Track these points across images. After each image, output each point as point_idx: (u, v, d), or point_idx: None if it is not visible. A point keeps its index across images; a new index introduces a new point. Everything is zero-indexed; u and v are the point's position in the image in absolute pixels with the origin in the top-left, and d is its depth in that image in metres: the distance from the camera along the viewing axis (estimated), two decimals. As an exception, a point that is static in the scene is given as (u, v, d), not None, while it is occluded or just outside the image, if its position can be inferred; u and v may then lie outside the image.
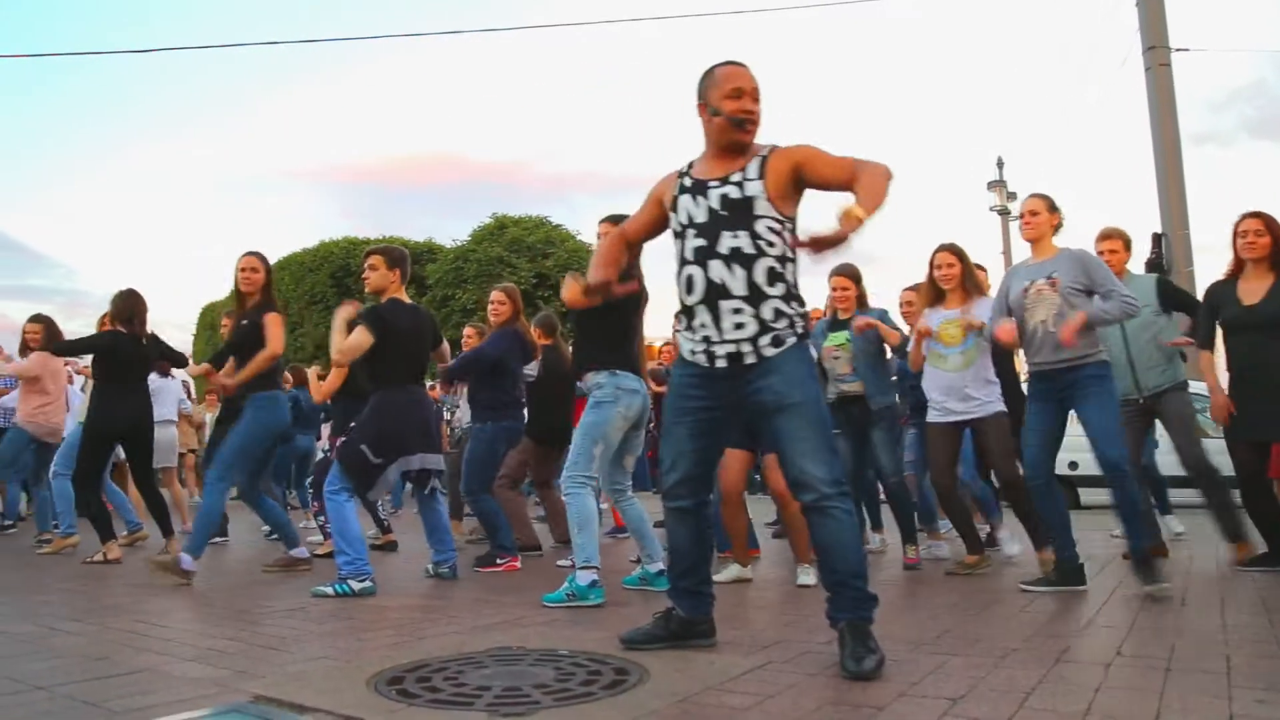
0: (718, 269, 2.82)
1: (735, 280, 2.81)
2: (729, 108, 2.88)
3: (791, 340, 2.83)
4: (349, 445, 4.59)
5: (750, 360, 2.82)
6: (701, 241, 2.87)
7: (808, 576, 4.43)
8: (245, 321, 5.25)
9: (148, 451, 6.28)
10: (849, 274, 5.32)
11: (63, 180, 75.00)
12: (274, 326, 5.16)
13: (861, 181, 2.69)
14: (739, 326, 2.81)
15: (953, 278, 4.88)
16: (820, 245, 2.57)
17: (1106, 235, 5.18)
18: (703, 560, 3.08)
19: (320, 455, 6.49)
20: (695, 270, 2.87)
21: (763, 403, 2.82)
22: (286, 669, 2.78)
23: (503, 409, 5.82)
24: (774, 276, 2.82)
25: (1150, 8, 9.73)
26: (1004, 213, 19.56)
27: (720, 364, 2.86)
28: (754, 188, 2.84)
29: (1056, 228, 4.34)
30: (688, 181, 2.98)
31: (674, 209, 2.99)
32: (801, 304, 2.90)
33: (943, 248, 4.97)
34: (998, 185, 19.70)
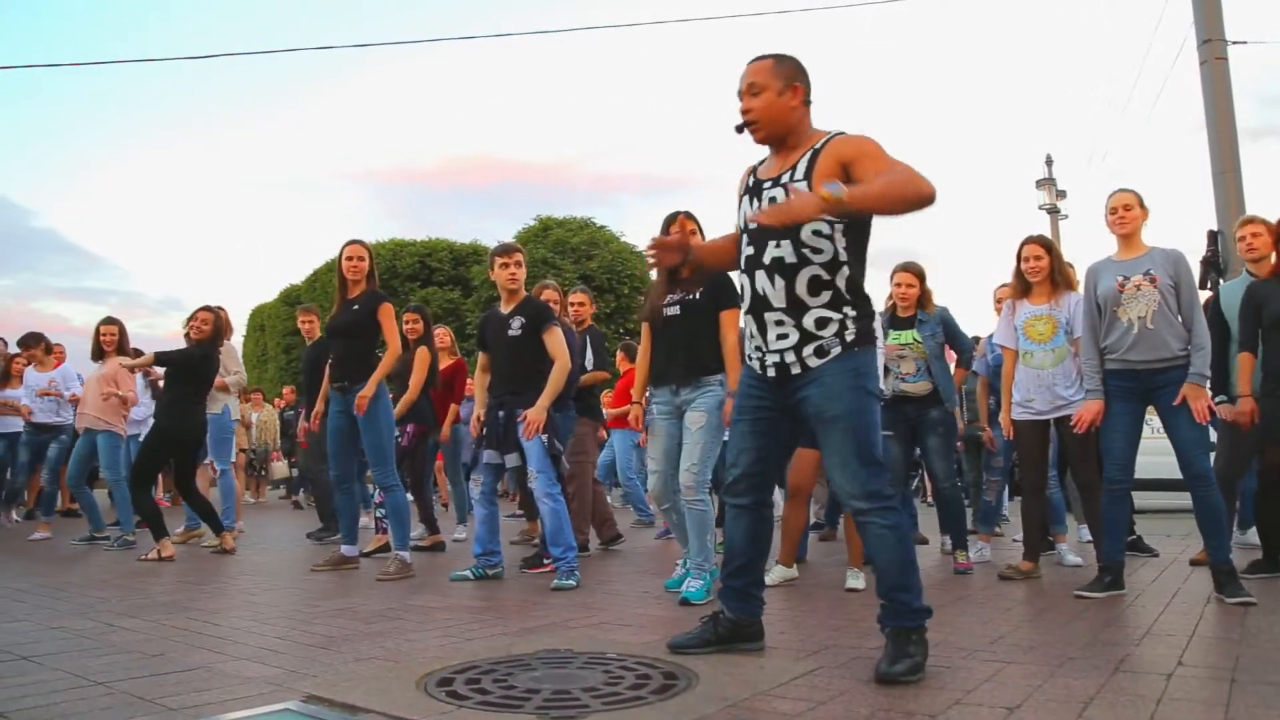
0: (761, 280, 2.80)
1: (775, 292, 2.77)
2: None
3: (836, 349, 2.73)
4: (555, 449, 4.74)
5: (795, 370, 2.78)
6: (750, 250, 2.83)
7: (857, 580, 4.39)
8: (355, 307, 5.36)
9: (195, 459, 6.64)
10: (913, 270, 5.21)
11: (117, 184, 76.87)
12: (391, 323, 5.35)
13: (881, 179, 2.52)
14: (781, 337, 2.78)
15: (1040, 270, 4.77)
16: (767, 217, 2.55)
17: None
18: (756, 562, 3.05)
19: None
20: (745, 280, 2.86)
21: (805, 413, 2.80)
22: (337, 669, 2.81)
23: (565, 402, 5.77)
24: (819, 285, 2.74)
25: (1206, 0, 9.48)
26: (1053, 211, 19.23)
27: (770, 373, 2.84)
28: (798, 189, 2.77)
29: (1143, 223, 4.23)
30: (751, 181, 2.93)
31: (739, 208, 2.96)
32: (857, 307, 2.77)
33: (1030, 239, 4.86)
34: (1046, 183, 19.36)
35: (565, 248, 22.90)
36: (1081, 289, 4.45)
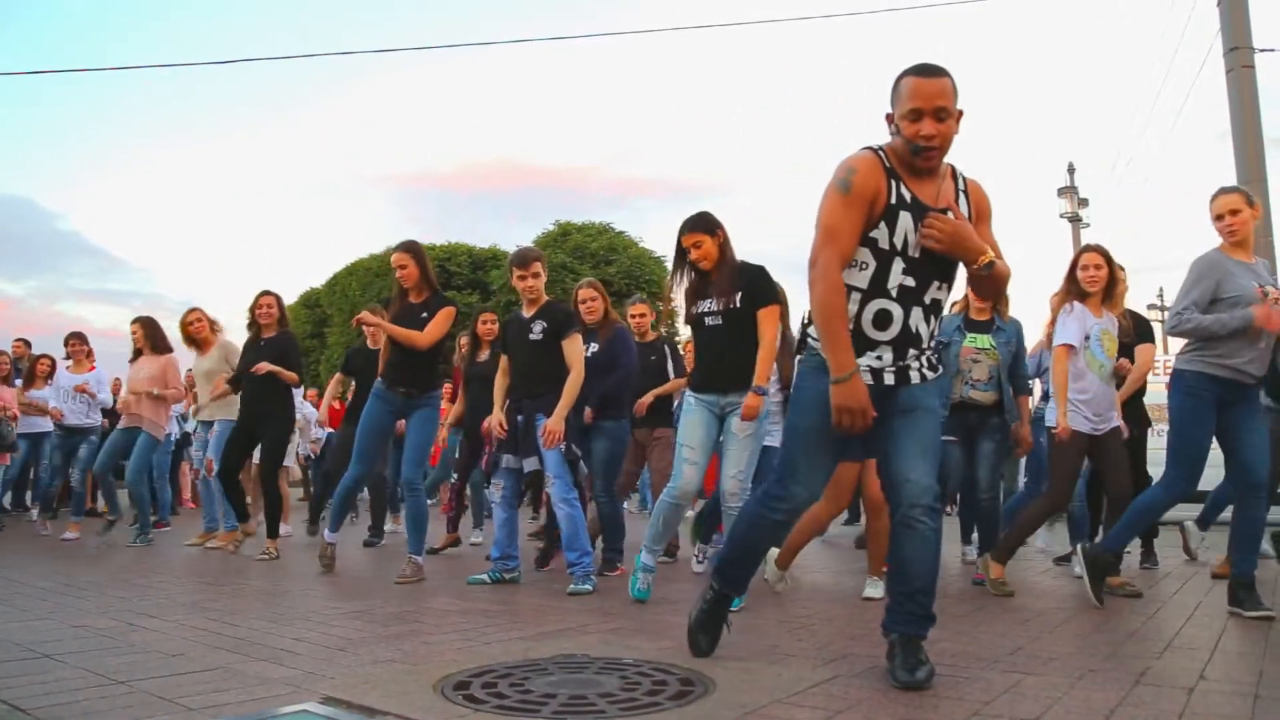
0: (917, 317, 2.71)
1: (926, 332, 2.74)
2: (908, 131, 2.61)
3: (940, 370, 2.86)
4: (573, 454, 4.76)
5: (915, 379, 2.74)
6: (910, 282, 2.67)
7: (875, 589, 4.35)
8: (425, 314, 5.28)
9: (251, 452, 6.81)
10: None
11: (138, 186, 77.47)
12: (441, 322, 5.24)
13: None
14: (907, 357, 2.75)
15: (1099, 280, 4.62)
16: (945, 235, 2.60)
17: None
18: (756, 559, 3.10)
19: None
20: (895, 310, 2.69)
21: (895, 401, 2.72)
22: (355, 671, 2.82)
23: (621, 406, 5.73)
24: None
25: (1233, 8, 9.40)
26: (1075, 220, 19.12)
27: (887, 379, 2.72)
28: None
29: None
30: (906, 194, 2.65)
31: (888, 220, 2.64)
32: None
33: (1090, 248, 4.76)
34: (1068, 191, 19.25)
35: (584, 253, 22.91)
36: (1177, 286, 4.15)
